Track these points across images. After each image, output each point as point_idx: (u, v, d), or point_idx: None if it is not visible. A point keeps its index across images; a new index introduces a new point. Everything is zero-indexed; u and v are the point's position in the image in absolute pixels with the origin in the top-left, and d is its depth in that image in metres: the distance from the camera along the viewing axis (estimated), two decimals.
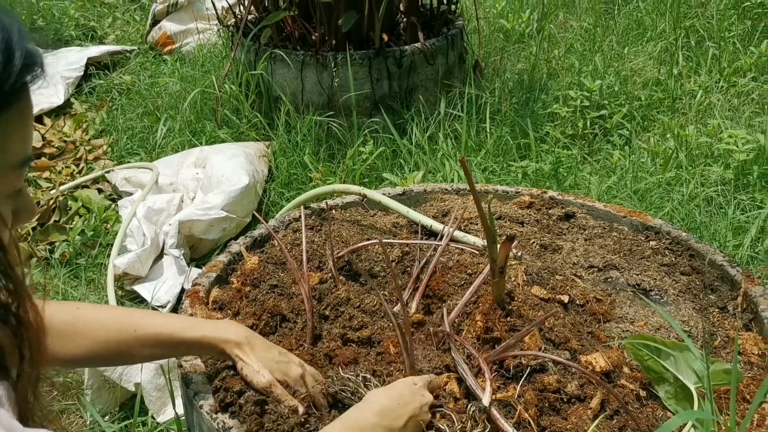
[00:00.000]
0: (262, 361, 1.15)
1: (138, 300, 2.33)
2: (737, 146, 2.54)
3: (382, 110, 3.02)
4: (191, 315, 1.37)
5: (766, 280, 1.93)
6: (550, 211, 1.82)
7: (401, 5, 3.40)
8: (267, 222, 1.73)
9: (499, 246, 1.28)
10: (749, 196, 2.39)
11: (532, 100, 3.34)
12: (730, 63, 3.56)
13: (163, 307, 2.27)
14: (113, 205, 2.75)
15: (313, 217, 1.78)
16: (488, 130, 3.00)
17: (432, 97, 3.18)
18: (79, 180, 2.94)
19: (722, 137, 2.65)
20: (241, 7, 3.37)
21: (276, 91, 3.08)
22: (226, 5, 3.65)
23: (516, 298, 1.38)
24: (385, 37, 3.11)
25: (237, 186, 2.55)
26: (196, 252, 2.53)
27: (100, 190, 2.92)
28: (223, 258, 1.58)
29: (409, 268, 1.55)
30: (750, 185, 2.47)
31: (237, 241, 1.65)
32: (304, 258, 1.35)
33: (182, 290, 2.29)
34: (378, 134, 2.99)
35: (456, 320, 1.37)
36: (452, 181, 2.64)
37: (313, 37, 3.06)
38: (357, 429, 1.04)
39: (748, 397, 1.25)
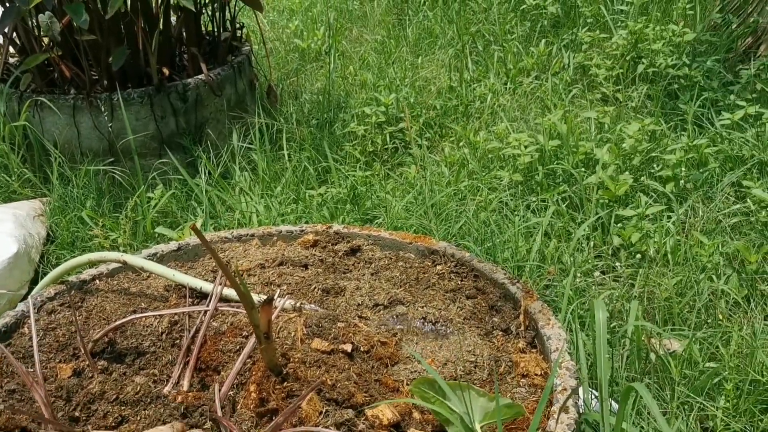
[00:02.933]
0: None
1: None
2: (522, 149, 2.62)
3: (169, 150, 2.82)
4: None
5: (555, 283, 1.97)
6: (335, 248, 1.74)
7: (182, 34, 3.21)
8: (17, 304, 1.50)
9: (259, 309, 1.17)
10: (537, 197, 2.47)
11: (329, 120, 3.28)
12: (515, 64, 3.71)
13: None
14: None
15: (73, 291, 1.58)
16: (287, 157, 2.89)
17: (224, 130, 3.03)
18: None
19: (510, 141, 2.73)
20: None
21: (46, 143, 2.79)
22: None
23: (292, 359, 1.27)
24: (166, 72, 2.92)
25: (3, 257, 2.25)
26: None
27: None
28: None
29: (178, 340, 1.40)
30: (537, 186, 2.54)
31: None
32: (36, 358, 1.16)
33: None
34: (168, 176, 2.79)
35: (230, 394, 1.25)
36: (249, 218, 2.51)
37: (83, 78, 2.80)
38: None
39: None
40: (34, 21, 2.87)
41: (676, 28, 3.33)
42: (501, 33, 4.06)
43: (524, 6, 4.23)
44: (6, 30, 2.82)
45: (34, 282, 2.37)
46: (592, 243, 2.27)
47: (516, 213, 2.32)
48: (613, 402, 1.55)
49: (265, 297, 1.18)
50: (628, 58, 3.36)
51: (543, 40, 3.82)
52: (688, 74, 3.13)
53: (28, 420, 1.17)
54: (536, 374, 1.32)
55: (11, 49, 3.07)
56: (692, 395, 1.62)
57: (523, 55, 3.79)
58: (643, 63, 3.24)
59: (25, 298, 2.30)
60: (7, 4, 2.72)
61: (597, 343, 1.17)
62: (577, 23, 3.94)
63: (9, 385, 1.25)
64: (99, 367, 1.32)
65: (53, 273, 1.56)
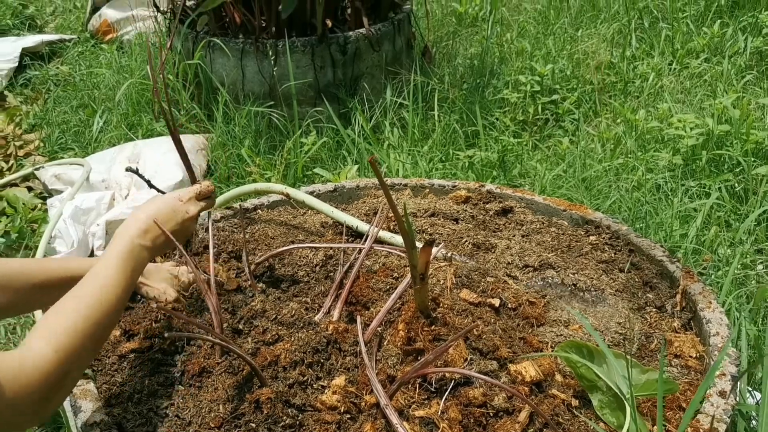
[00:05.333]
0: (162, 282, 1.35)
1: None
2: (686, 131, 2.48)
3: (325, 99, 2.90)
4: None
5: (710, 272, 1.87)
6: (487, 206, 1.73)
7: None
8: None
9: (419, 251, 1.19)
10: (698, 183, 2.34)
11: (482, 86, 3.25)
12: (683, 44, 3.51)
13: None
14: (42, 204, 2.61)
15: (237, 216, 1.68)
16: (437, 118, 2.90)
17: (378, 85, 3.07)
18: (7, 178, 2.78)
19: (672, 122, 2.59)
20: None
21: (215, 82, 2.95)
22: None
23: (442, 305, 1.29)
24: (329, 23, 2.99)
25: (170, 182, 2.42)
26: None
27: (30, 189, 2.77)
28: None
29: (332, 273, 1.46)
30: (698, 171, 2.41)
31: None
32: (212, 270, 1.24)
33: None
34: (322, 124, 2.88)
35: (379, 329, 1.28)
36: (398, 171, 2.55)
37: (254, 24, 2.93)
38: (118, 258, 1.09)
39: (684, 405, 1.18)
40: None
41: None
42: (671, 10, 3.83)
43: None
44: None
45: None
46: (754, 237, 2.13)
47: (674, 195, 2.21)
48: (758, 394, 1.46)
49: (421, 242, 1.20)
50: None
51: (718, 21, 3.58)
52: None
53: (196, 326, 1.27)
54: (691, 356, 1.27)
55: None
56: None
57: (694, 35, 3.57)
58: None
59: None
60: None
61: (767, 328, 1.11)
62: (759, 5, 3.65)
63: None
64: (259, 288, 1.40)
65: (221, 198, 1.66)
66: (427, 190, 1.83)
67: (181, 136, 2.79)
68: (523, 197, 1.75)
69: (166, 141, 2.70)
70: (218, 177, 2.65)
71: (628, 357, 1.13)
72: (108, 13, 4.13)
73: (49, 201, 2.61)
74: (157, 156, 2.57)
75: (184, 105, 2.97)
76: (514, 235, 1.62)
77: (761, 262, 2.02)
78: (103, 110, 3.11)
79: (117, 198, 2.53)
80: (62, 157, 2.93)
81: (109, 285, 1.04)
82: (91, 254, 2.33)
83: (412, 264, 1.19)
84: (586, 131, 2.83)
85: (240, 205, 1.71)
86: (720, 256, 1.99)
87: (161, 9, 3.45)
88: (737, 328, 1.44)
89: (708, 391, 1.14)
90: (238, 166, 2.66)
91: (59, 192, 2.65)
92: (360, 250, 1.42)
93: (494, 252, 1.53)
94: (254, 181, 2.50)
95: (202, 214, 1.32)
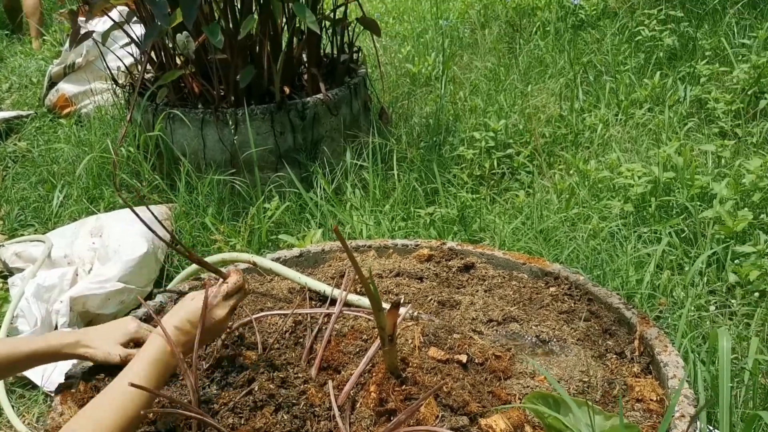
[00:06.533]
0: (104, 343, 1.36)
1: (29, 386, 2.17)
2: (635, 180, 2.59)
3: (286, 164, 2.96)
4: (61, 415, 1.26)
5: (666, 315, 1.94)
6: (449, 263, 1.79)
7: (303, 56, 3.38)
8: (153, 297, 1.63)
9: (386, 313, 1.23)
10: (649, 228, 2.43)
11: (439, 143, 3.35)
12: (627, 95, 3.68)
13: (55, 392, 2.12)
14: (3, 284, 2.58)
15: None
16: (396, 177, 2.98)
17: (338, 148, 3.15)
18: None
19: (621, 171, 2.70)
20: (138, 67, 3.28)
21: (176, 152, 2.99)
22: (122, 66, 3.55)
23: (411, 364, 1.33)
24: (287, 90, 3.08)
25: (134, 255, 2.42)
26: None
27: None
28: None
29: (302, 339, 1.48)
30: (649, 217, 2.51)
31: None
32: (196, 344, 1.26)
33: None
34: (284, 189, 2.93)
35: (351, 393, 1.31)
36: (361, 232, 2.60)
37: (212, 94, 2.99)
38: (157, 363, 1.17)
39: None
40: (171, 40, 3.09)
41: None
42: (614, 64, 4.03)
43: (639, 38, 4.19)
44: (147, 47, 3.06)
45: (158, 281, 2.54)
46: (705, 278, 2.22)
47: (627, 242, 2.30)
48: None
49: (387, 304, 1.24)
50: (749, 93, 3.27)
51: (658, 72, 3.77)
52: None
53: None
54: (651, 399, 1.32)
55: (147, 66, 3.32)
56: None
57: (636, 86, 3.75)
58: (765, 98, 3.14)
59: (150, 295, 2.47)
60: (151, 24, 2.95)
61: (720, 369, 1.16)
62: (695, 56, 3.86)
63: None
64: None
65: (188, 270, 1.68)
66: (391, 250, 1.87)
67: (144, 207, 2.82)
68: (484, 253, 1.81)
69: (130, 212, 2.71)
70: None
71: (591, 404, 1.18)
72: (65, 88, 4.17)
73: (10, 280, 2.59)
74: (121, 228, 2.57)
75: (146, 176, 3.00)
76: (477, 291, 1.67)
77: (714, 303, 2.10)
78: (62, 185, 3.12)
79: (80, 273, 2.52)
80: (22, 234, 2.92)
81: (136, 393, 1.10)
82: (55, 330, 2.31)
83: (380, 326, 1.23)
84: (541, 183, 2.93)
85: (208, 276, 1.72)
86: (675, 298, 2.07)
87: (119, 82, 3.50)
88: (693, 369, 1.50)
89: None
90: (202, 234, 2.68)
91: (20, 270, 2.62)
92: (329, 315, 1.46)
93: (459, 308, 1.58)
94: (219, 249, 2.53)
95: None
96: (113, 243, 2.50)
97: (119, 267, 2.38)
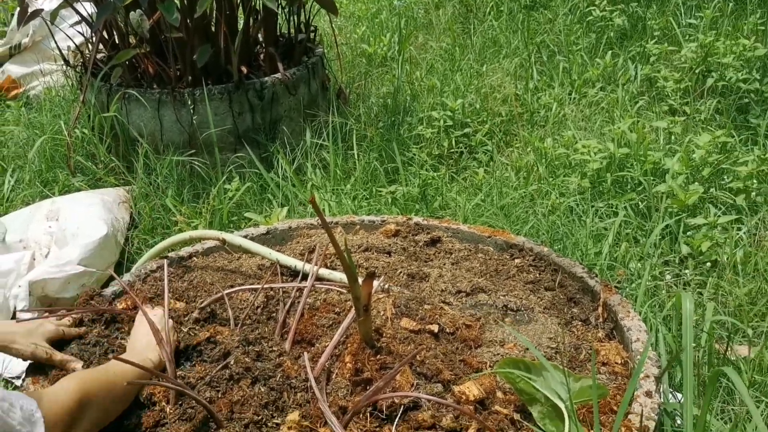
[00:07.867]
0: (28, 340, 1.40)
1: None
2: (591, 156, 2.66)
3: (246, 145, 2.94)
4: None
5: (625, 285, 2.01)
6: (416, 238, 1.81)
7: (259, 35, 3.34)
8: (122, 276, 1.62)
9: (360, 284, 1.24)
10: (606, 203, 2.50)
11: (397, 123, 3.36)
12: (579, 75, 3.75)
13: (18, 378, 2.08)
14: None
15: (173, 266, 1.69)
16: (356, 156, 2.99)
17: (297, 128, 3.14)
18: None
19: (577, 148, 2.77)
20: (90, 46, 3.20)
21: (133, 133, 2.94)
22: (72, 45, 3.46)
23: (385, 334, 1.35)
24: (245, 70, 3.04)
25: (94, 237, 2.38)
26: None
27: None
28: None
29: (274, 314, 1.49)
30: (605, 192, 2.58)
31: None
32: (166, 317, 1.25)
33: None
34: (244, 169, 2.91)
35: (327, 364, 1.33)
36: (324, 211, 2.60)
37: (168, 74, 2.94)
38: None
39: (615, 408, 1.27)
40: (124, 19, 3.02)
41: (747, 42, 3.32)
42: (566, 44, 4.10)
43: (590, 18, 4.27)
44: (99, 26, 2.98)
45: (118, 264, 2.50)
46: (660, 250, 2.30)
47: (585, 216, 2.36)
48: (679, 395, 1.58)
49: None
50: (697, 72, 3.37)
51: (609, 52, 3.85)
52: (759, 89, 3.12)
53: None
54: (616, 362, 1.37)
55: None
56: (764, 398, 1.64)
57: (589, 65, 3.82)
58: (712, 77, 3.25)
59: (110, 278, 2.43)
60: (103, 2, 2.88)
61: (684, 329, 1.22)
62: (645, 36, 3.96)
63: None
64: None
65: (155, 248, 1.67)
66: (358, 227, 1.89)
67: (102, 190, 2.77)
68: (449, 227, 1.84)
69: (87, 195, 2.66)
70: (143, 228, 2.63)
71: (562, 367, 1.22)
72: (11, 69, 4.04)
73: None
74: (79, 211, 2.52)
75: (102, 158, 2.94)
76: (444, 264, 1.70)
77: (668, 272, 2.18)
78: (13, 168, 3.03)
79: (38, 258, 2.47)
80: None
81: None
82: (13, 317, 2.26)
83: (355, 296, 1.24)
84: (500, 161, 2.98)
85: (176, 253, 1.72)
86: (632, 270, 2.14)
87: (71, 63, 3.41)
88: (654, 333, 1.56)
89: (635, 393, 1.23)
90: (162, 216, 2.64)
91: None
92: (301, 289, 1.47)
93: (428, 281, 1.60)
94: (180, 230, 2.50)
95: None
96: (71, 226, 2.45)
97: (79, 250, 2.34)
